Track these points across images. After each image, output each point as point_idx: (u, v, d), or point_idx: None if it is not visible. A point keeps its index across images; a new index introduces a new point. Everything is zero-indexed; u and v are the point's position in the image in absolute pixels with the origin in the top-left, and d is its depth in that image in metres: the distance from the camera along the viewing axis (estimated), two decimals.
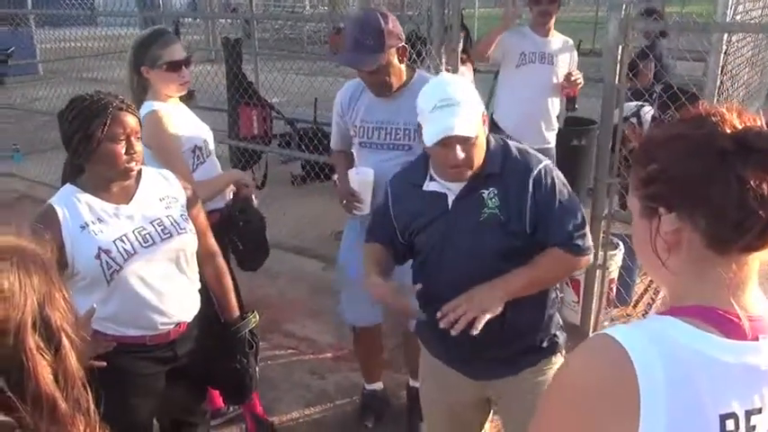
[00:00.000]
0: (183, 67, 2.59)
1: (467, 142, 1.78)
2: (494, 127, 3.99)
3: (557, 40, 4.05)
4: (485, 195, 1.85)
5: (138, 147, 1.94)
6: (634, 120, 4.21)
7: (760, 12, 4.24)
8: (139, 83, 2.60)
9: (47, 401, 0.90)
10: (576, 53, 4.15)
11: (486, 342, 1.80)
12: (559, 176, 1.90)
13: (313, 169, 5.34)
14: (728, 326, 0.89)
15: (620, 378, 0.86)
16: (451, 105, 1.75)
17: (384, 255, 2.03)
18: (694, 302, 0.92)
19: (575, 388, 0.92)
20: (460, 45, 4.19)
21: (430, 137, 1.77)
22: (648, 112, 4.16)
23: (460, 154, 1.78)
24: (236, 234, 2.76)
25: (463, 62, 4.02)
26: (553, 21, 4.01)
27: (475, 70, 4.54)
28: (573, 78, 3.91)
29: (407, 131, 2.60)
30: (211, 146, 2.79)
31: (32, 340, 0.89)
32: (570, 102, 4.14)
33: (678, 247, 0.92)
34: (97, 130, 1.85)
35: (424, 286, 1.87)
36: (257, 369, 2.31)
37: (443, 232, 1.90)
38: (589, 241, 1.91)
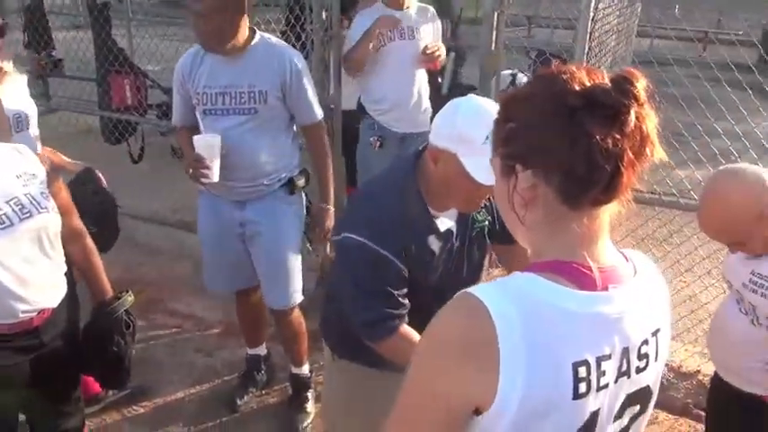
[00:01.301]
0: None
1: None
2: (363, 114, 3.75)
3: (415, 10, 3.70)
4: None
5: None
6: (511, 89, 4.32)
7: None
8: None
9: None
10: (438, 22, 3.82)
11: None
12: None
13: None
14: (581, 278, 0.92)
15: (479, 330, 0.88)
16: None
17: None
18: (551, 257, 0.95)
19: (434, 345, 0.93)
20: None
21: (489, 174, 1.52)
22: (524, 80, 4.29)
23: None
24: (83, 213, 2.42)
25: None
26: None
27: None
28: (430, 51, 3.59)
29: (252, 94, 2.53)
30: (31, 127, 2.57)
31: None
32: (433, 76, 3.86)
33: (534, 204, 0.94)
34: None
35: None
36: (134, 350, 2.21)
37: (450, 267, 1.74)
38: None
